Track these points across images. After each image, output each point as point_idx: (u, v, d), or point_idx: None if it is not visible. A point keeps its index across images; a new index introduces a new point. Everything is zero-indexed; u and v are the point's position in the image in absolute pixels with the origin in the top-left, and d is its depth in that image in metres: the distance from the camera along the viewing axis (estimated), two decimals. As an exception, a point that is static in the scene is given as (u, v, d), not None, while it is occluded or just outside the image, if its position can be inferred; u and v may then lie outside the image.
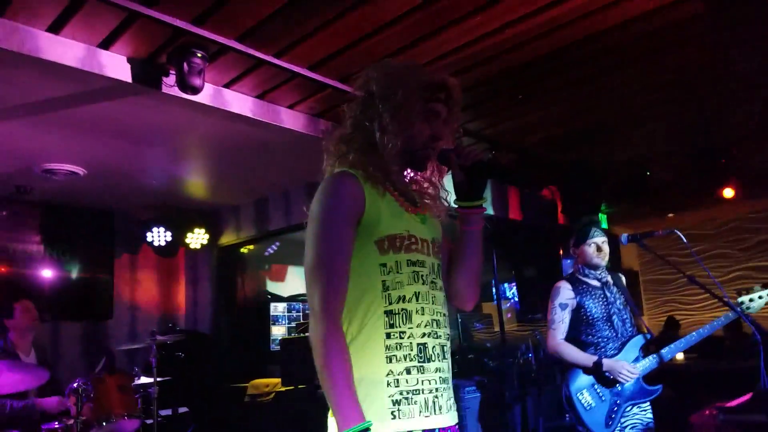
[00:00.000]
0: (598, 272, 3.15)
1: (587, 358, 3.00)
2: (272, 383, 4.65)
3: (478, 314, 8.16)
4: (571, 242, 3.27)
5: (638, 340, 3.09)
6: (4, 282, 5.02)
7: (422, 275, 1.47)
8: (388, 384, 1.38)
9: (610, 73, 3.81)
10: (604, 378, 2.99)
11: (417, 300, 1.44)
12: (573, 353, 3.04)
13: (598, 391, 3.00)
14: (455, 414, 1.51)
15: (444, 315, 1.53)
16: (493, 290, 3.37)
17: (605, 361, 2.96)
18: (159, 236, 5.82)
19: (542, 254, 6.42)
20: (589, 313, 3.07)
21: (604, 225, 7.93)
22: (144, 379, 3.95)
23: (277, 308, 6.42)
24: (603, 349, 3.03)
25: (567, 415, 5.16)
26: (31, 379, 3.27)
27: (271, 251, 7.10)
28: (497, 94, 4.07)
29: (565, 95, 4.18)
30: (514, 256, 6.93)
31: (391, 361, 1.39)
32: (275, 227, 5.75)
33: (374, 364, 1.39)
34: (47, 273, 5.38)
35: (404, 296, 1.43)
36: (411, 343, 1.41)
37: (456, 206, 1.58)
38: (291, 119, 4.12)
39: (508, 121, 4.59)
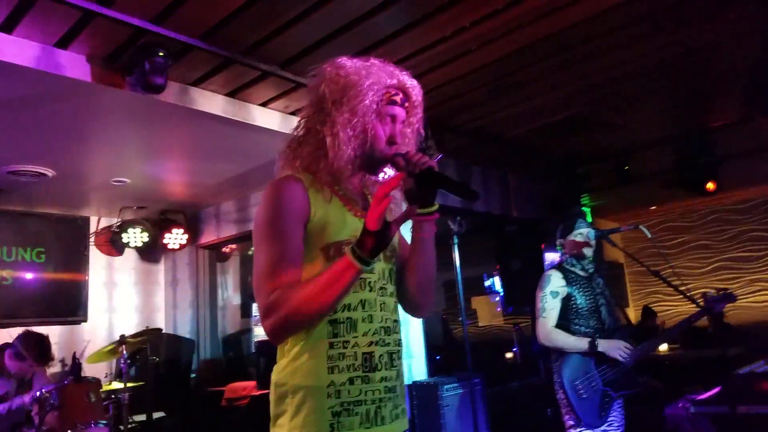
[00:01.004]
0: (585, 263, 3.19)
1: (582, 341, 3.01)
2: (249, 386, 4.59)
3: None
4: (557, 233, 3.30)
5: (623, 332, 3.15)
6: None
7: (370, 282, 1.44)
8: (329, 395, 1.35)
9: (590, 61, 3.74)
10: (601, 360, 3.00)
11: (363, 308, 1.41)
12: (567, 339, 3.03)
13: (591, 381, 2.99)
14: (402, 422, 1.48)
15: (395, 321, 1.50)
16: (462, 287, 3.30)
17: (600, 342, 2.98)
18: (135, 237, 5.72)
19: (526, 247, 6.39)
20: (578, 303, 3.09)
21: (589, 218, 7.95)
22: (116, 385, 3.88)
23: (259, 308, 6.34)
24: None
25: (548, 410, 5.19)
26: None
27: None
28: (478, 86, 4.01)
29: (547, 86, 4.12)
30: (498, 250, 6.91)
31: (332, 372, 1.36)
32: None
33: (316, 375, 1.36)
34: (22, 276, 5.27)
35: (349, 305, 1.40)
36: (355, 352, 1.38)
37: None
38: (264, 118, 4.05)
39: (491, 114, 4.54)
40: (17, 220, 5.26)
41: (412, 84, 1.52)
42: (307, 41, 3.20)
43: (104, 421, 3.36)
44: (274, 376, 1.42)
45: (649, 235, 3.16)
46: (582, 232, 3.18)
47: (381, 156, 1.48)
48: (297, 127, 1.54)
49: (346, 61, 1.50)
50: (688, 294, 3.04)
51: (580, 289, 3.12)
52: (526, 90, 4.14)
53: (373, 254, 1.26)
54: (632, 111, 4.76)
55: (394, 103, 1.48)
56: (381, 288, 1.46)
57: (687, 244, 8.75)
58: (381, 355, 1.42)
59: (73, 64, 3.01)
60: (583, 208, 7.69)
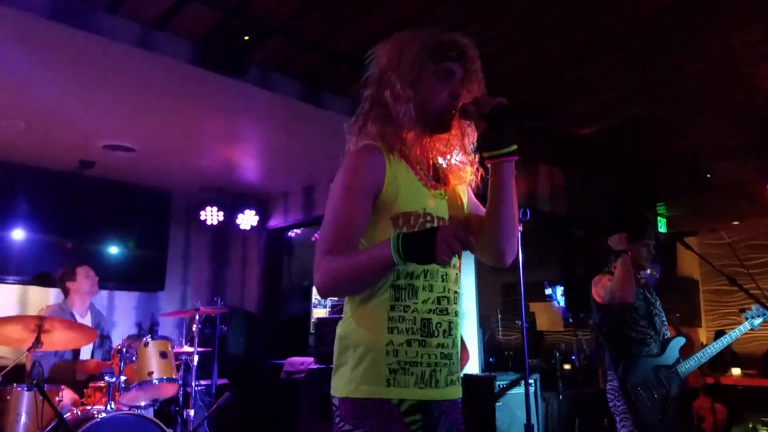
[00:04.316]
0: (641, 272, 3.21)
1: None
2: (308, 362, 4.78)
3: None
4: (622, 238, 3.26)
5: (678, 341, 3.14)
6: (69, 252, 5.36)
7: None
8: (387, 353, 1.41)
9: (667, 55, 3.62)
10: (659, 368, 3.03)
11: (425, 277, 1.46)
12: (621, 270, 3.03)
13: (653, 388, 3.01)
14: (456, 389, 1.52)
15: (456, 292, 1.53)
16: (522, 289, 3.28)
17: None
18: (212, 216, 6.05)
19: (593, 253, 6.23)
20: (635, 309, 3.09)
21: (663, 229, 7.62)
22: (186, 348, 4.16)
23: (320, 292, 6.55)
24: (648, 347, 3.05)
25: (605, 419, 5.07)
26: (81, 338, 3.50)
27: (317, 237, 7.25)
28: (545, 79, 3.98)
29: (614, 83, 4.02)
30: (562, 253, 6.76)
31: (392, 332, 1.42)
32: (321, 212, 5.86)
33: (376, 333, 1.42)
34: (107, 245, 5.71)
35: (412, 272, 1.45)
36: (414, 317, 1.44)
37: (486, 158, 1.51)
38: (336, 104, 4.20)
39: (558, 110, 4.47)
40: (108, 193, 5.68)
41: (466, 41, 1.54)
42: (374, 31, 3.32)
43: (175, 378, 3.62)
44: (340, 330, 1.50)
45: (727, 239, 3.11)
46: (649, 243, 3.18)
47: (447, 113, 1.52)
48: (362, 105, 1.59)
49: (399, 33, 1.57)
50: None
51: (638, 295, 3.12)
52: (592, 86, 4.06)
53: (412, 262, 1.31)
54: (707, 113, 4.54)
55: (451, 58, 1.51)
56: None
57: (771, 264, 8.20)
58: (439, 323, 1.46)
59: (168, 45, 3.27)
60: (658, 217, 7.39)
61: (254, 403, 4.91)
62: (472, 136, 1.59)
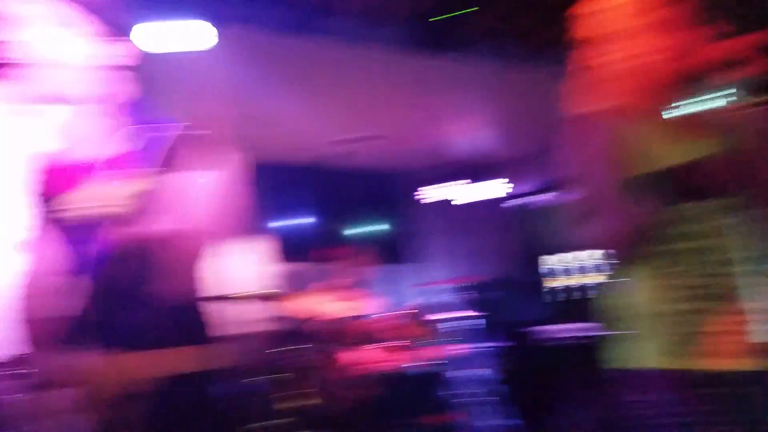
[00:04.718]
0: None
1: None
2: (573, 330, 4.81)
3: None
4: None
5: None
6: (337, 235, 6.19)
7: (709, 209, 1.35)
8: (669, 323, 1.34)
9: None
10: None
11: (704, 237, 1.35)
12: None
13: None
14: (759, 360, 1.35)
15: (747, 251, 1.37)
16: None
17: None
18: (449, 190, 6.24)
19: None
20: None
21: None
22: (447, 315, 4.68)
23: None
24: None
25: None
26: (358, 307, 4.17)
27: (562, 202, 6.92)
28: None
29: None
30: None
31: (672, 301, 1.35)
32: (558, 177, 5.55)
33: (651, 303, 1.37)
34: (366, 226, 6.45)
35: (687, 234, 1.35)
36: (697, 282, 1.34)
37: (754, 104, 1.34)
38: (557, 62, 3.91)
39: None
40: (357, 180, 6.17)
41: None
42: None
43: (442, 341, 4.20)
44: (610, 301, 1.46)
45: None
46: None
47: (681, 66, 1.36)
48: (583, 63, 1.49)
49: None
50: None
51: None
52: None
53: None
54: None
55: (667, 5, 1.36)
56: (723, 212, 1.37)
57: None
58: (725, 285, 1.34)
59: (381, 32, 3.40)
60: None
61: (522, 370, 5.04)
62: (720, 81, 1.37)
